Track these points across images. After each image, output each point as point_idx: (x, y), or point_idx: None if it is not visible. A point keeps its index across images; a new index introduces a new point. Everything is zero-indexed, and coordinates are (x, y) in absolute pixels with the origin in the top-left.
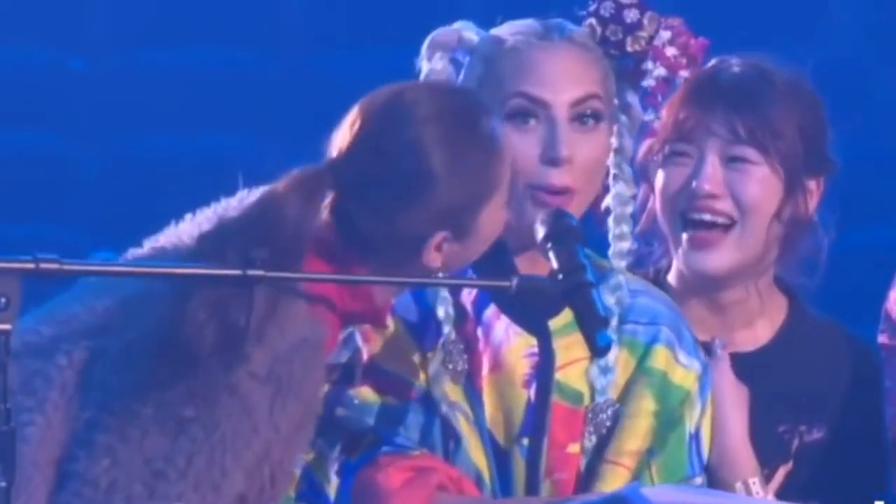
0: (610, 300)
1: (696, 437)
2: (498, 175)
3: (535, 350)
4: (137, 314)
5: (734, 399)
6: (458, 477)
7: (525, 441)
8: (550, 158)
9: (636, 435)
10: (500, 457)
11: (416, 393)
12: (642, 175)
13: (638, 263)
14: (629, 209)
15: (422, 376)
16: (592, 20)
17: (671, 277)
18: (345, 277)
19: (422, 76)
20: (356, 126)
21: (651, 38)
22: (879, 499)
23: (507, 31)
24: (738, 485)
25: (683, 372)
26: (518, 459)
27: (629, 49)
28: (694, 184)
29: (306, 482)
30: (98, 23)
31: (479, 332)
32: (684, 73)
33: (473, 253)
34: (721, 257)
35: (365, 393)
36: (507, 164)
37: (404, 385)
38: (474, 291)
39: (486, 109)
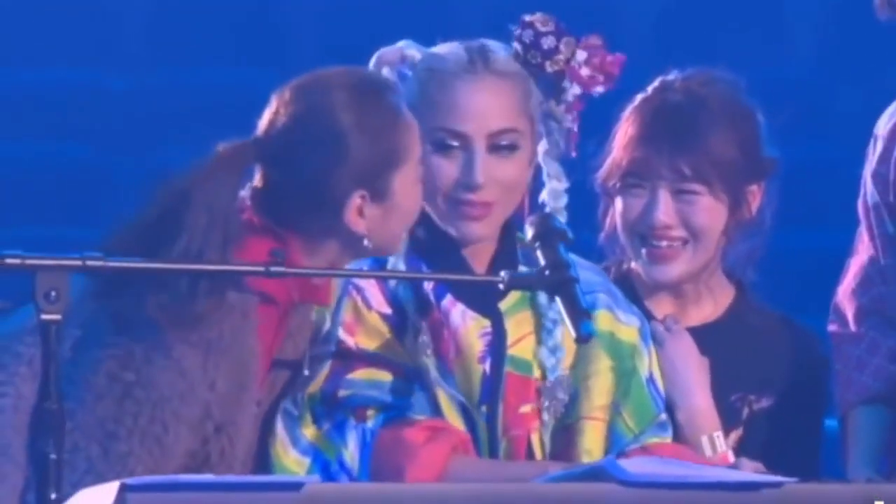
0: None
1: (651, 380)
2: (405, 142)
3: (488, 330)
4: (88, 303)
5: (697, 366)
6: (466, 439)
7: (484, 408)
8: (466, 183)
9: (603, 390)
10: (467, 421)
11: (404, 370)
12: (602, 191)
13: (605, 259)
14: (563, 202)
15: (405, 357)
16: (516, 44)
17: (634, 268)
18: (350, 273)
19: None
20: (276, 103)
21: (568, 60)
22: (816, 464)
23: (441, 52)
24: (704, 438)
25: (626, 328)
26: (480, 423)
27: (548, 70)
28: (650, 216)
29: (317, 464)
30: (135, 44)
31: (441, 318)
32: (600, 90)
33: (396, 223)
34: (676, 269)
35: (363, 373)
36: (414, 135)
37: (394, 364)
38: (433, 284)
39: (391, 86)
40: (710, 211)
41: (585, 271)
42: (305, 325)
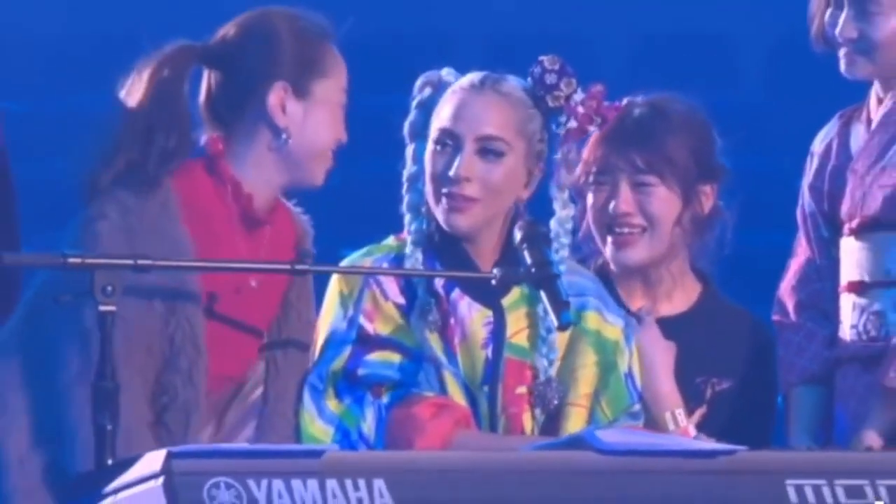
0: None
1: (629, 375)
2: (333, 67)
3: (491, 320)
4: None
5: (663, 353)
6: (468, 413)
7: (486, 388)
8: (450, 176)
9: (587, 381)
10: (470, 400)
11: (414, 354)
12: (578, 195)
13: (584, 258)
14: (568, 226)
15: (416, 342)
16: (529, 78)
17: (610, 266)
18: (374, 271)
19: (414, 102)
20: (226, 26)
21: (567, 97)
22: (769, 436)
23: (465, 77)
24: (667, 415)
25: (612, 328)
26: (482, 401)
27: (550, 104)
28: (612, 205)
29: (340, 433)
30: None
31: (450, 309)
32: (592, 128)
33: (315, 133)
34: (637, 253)
35: (379, 355)
36: (341, 73)
37: (406, 348)
38: (443, 280)
39: (329, 29)
40: (665, 201)
41: (579, 277)
42: (304, 294)
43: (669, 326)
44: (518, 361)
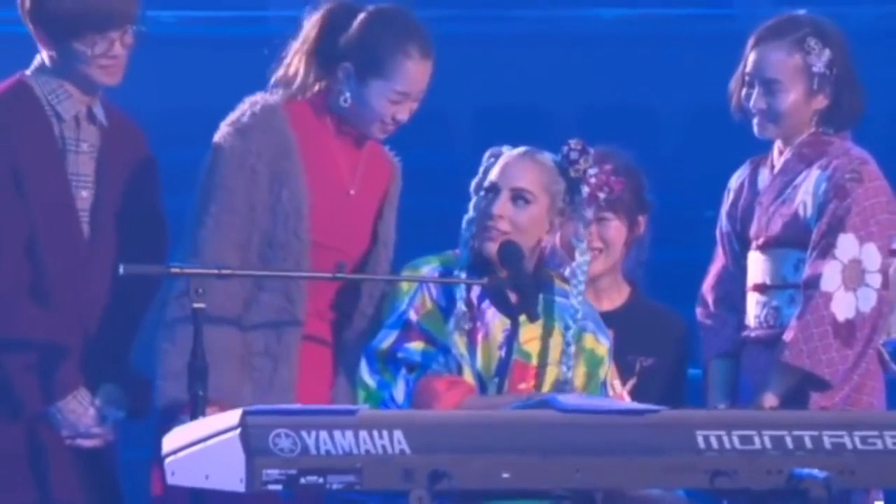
0: (576, 305)
1: (604, 383)
2: (396, 73)
3: (508, 327)
4: None
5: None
6: (473, 388)
7: (496, 380)
8: (490, 214)
9: (579, 386)
10: (480, 387)
11: (442, 345)
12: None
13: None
14: (585, 268)
15: (446, 336)
16: (559, 155)
17: (567, 274)
18: (397, 278)
19: (482, 169)
20: (363, 11)
21: (585, 171)
22: (682, 397)
23: (516, 149)
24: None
25: (602, 347)
26: (492, 390)
27: (571, 174)
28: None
29: (380, 388)
30: None
31: (478, 313)
32: (602, 195)
33: (361, 107)
34: (595, 267)
35: (416, 344)
36: (405, 78)
37: (437, 340)
38: (477, 290)
39: (415, 46)
40: (617, 230)
41: (585, 307)
42: (374, 293)
43: (608, 318)
44: (523, 364)
